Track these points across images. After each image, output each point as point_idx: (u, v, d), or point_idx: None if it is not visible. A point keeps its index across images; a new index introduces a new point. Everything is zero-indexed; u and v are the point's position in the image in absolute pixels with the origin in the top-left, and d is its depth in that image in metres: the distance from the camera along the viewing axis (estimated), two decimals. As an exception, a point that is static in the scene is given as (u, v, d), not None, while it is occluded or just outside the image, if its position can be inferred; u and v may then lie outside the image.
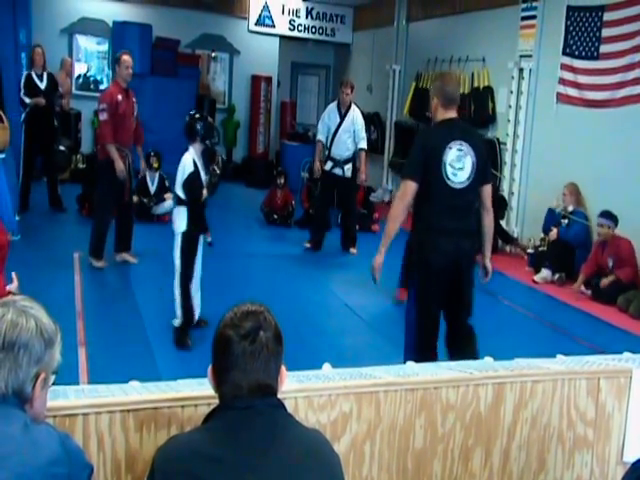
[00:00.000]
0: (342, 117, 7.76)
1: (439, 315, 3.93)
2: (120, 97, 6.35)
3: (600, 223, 6.79)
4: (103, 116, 6.33)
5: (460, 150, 3.71)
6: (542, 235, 7.65)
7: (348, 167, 7.78)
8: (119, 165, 6.31)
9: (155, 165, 8.88)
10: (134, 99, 6.59)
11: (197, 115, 5.02)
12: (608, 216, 6.73)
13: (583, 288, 6.88)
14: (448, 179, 3.69)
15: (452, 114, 3.81)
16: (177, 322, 4.93)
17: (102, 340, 4.82)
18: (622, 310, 6.43)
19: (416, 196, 3.75)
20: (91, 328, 5.01)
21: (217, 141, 5.04)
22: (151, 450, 1.80)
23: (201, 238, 4.98)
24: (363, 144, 7.76)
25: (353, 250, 7.98)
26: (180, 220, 4.84)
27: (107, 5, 12.08)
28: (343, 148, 7.73)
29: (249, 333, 1.60)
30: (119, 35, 11.79)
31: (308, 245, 8.00)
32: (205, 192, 4.89)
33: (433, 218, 3.76)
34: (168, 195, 8.88)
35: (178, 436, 1.71)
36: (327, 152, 7.91)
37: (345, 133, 7.72)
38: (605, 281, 6.67)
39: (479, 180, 3.81)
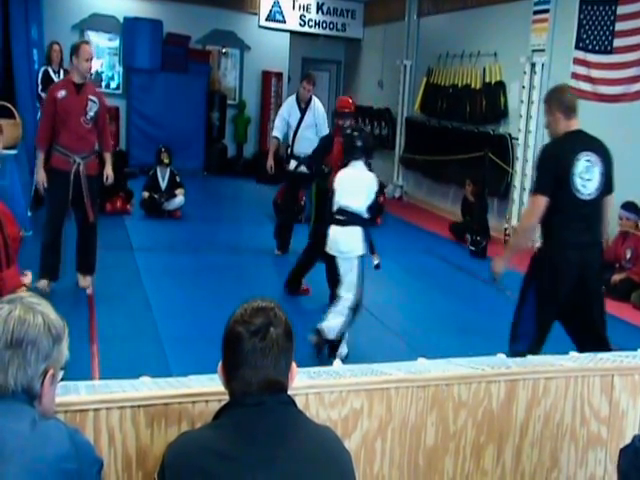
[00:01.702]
0: (303, 112, 7.31)
1: (550, 329, 3.92)
2: (63, 92, 5.42)
3: (623, 216, 6.74)
4: (39, 115, 5.71)
5: (588, 161, 3.72)
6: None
7: None
8: (39, 174, 5.52)
9: (166, 161, 8.90)
10: (92, 97, 5.53)
11: (354, 132, 4.76)
12: (632, 209, 6.69)
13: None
14: (577, 191, 3.70)
15: (575, 125, 3.81)
16: (332, 335, 4.54)
17: (113, 336, 4.83)
18: (636, 307, 6.39)
19: (545, 208, 3.75)
20: (102, 324, 5.02)
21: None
22: (162, 446, 1.79)
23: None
24: None
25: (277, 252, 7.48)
26: (356, 242, 4.54)
27: (118, 1, 12.10)
28: (306, 145, 7.12)
29: (259, 329, 1.59)
30: (130, 31, 11.82)
31: (278, 252, 7.47)
32: None
33: (562, 231, 3.76)
34: (179, 191, 8.92)
35: (188, 432, 1.71)
36: (289, 150, 7.46)
37: (307, 129, 7.29)
38: (616, 277, 6.63)
39: (606, 190, 3.82)
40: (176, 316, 5.38)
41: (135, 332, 4.97)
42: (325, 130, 7.25)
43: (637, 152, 6.98)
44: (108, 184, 6.05)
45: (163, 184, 8.89)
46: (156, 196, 8.77)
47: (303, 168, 7.22)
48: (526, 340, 3.84)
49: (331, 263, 4.72)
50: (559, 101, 3.83)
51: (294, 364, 1.67)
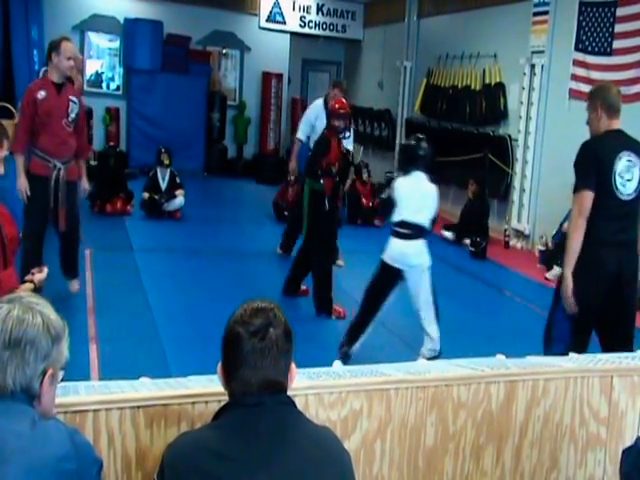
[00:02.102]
0: None
1: (592, 331, 3.84)
2: (43, 93, 5.06)
3: None
4: (18, 118, 5.28)
5: (629, 161, 3.67)
6: (553, 232, 7.61)
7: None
8: (20, 182, 5.10)
9: (166, 162, 8.90)
10: (73, 98, 5.23)
11: (416, 140, 4.62)
12: None
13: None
14: (617, 190, 3.64)
15: (617, 124, 3.76)
16: (430, 352, 4.57)
17: (113, 336, 4.83)
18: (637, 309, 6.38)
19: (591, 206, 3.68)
20: (102, 324, 5.02)
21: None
22: (161, 446, 1.79)
23: None
24: (350, 146, 6.96)
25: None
26: (425, 254, 4.57)
27: (118, 1, 12.11)
28: None
29: (259, 330, 1.59)
30: (130, 32, 11.83)
31: (280, 251, 7.37)
32: None
33: (598, 229, 3.67)
34: (179, 191, 8.92)
35: (188, 433, 1.71)
36: None
37: None
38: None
39: None
40: (176, 317, 5.38)
41: (135, 333, 4.97)
42: (351, 138, 6.91)
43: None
44: (85, 197, 5.65)
45: (163, 185, 8.89)
46: (156, 197, 8.77)
47: None
48: (562, 343, 3.72)
49: (385, 275, 4.62)
50: (604, 99, 3.75)
51: (293, 365, 1.67)
